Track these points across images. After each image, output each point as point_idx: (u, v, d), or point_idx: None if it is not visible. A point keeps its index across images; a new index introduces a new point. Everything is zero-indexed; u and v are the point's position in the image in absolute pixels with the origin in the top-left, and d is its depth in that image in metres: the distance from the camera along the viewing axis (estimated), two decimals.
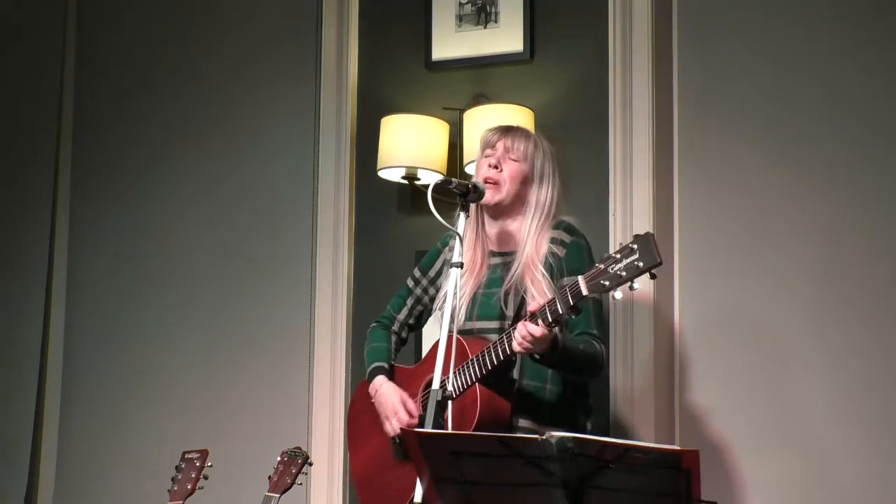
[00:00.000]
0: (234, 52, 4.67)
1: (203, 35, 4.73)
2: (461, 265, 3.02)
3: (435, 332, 3.03)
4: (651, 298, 3.86)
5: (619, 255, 2.88)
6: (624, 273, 2.86)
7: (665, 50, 4.04)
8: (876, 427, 3.72)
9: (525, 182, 3.30)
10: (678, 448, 2.35)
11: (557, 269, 3.24)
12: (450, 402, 2.87)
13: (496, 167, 3.29)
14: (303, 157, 4.47)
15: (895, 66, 3.82)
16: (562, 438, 2.33)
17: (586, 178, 4.06)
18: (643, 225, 3.92)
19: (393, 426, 3.28)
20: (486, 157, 3.33)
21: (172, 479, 3.36)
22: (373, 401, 3.36)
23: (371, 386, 3.38)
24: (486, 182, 3.28)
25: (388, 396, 3.31)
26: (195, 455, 3.38)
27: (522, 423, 3.19)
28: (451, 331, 2.92)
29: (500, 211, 3.32)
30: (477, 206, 3.31)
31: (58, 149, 4.83)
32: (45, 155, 4.83)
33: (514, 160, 3.30)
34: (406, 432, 2.55)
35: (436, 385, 2.88)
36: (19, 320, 4.77)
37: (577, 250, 3.30)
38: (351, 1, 4.46)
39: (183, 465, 3.37)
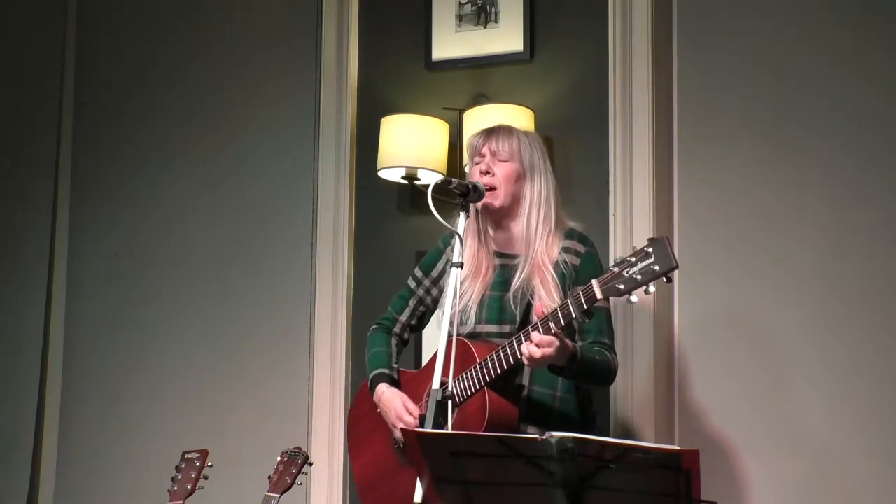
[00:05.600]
0: (234, 51, 4.67)
1: (203, 35, 4.73)
2: (461, 265, 3.02)
3: (437, 335, 3.02)
4: (651, 299, 3.86)
5: (633, 259, 2.88)
6: (640, 277, 2.86)
7: (665, 50, 4.04)
8: (876, 427, 3.72)
9: (518, 179, 3.28)
10: (678, 448, 2.35)
11: (570, 278, 3.23)
12: (452, 406, 2.87)
13: (488, 173, 3.27)
14: (303, 157, 4.47)
15: (893, 68, 3.83)
16: (562, 438, 2.33)
17: (586, 178, 4.06)
18: (643, 225, 3.93)
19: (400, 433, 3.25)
20: (476, 164, 3.32)
21: (172, 479, 3.36)
22: (378, 410, 3.34)
23: (374, 395, 3.35)
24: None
25: (391, 403, 3.29)
26: (195, 455, 3.38)
27: (531, 430, 3.16)
28: (450, 333, 2.91)
29: (500, 214, 3.31)
30: (477, 211, 3.30)
31: (58, 148, 4.83)
32: (45, 155, 4.83)
33: (503, 161, 3.28)
34: (406, 432, 2.55)
35: (436, 385, 2.87)
36: (20, 320, 4.77)
37: (591, 261, 3.28)
38: (351, 1, 4.46)
39: (183, 465, 3.37)
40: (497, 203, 3.27)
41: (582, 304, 2.96)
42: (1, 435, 4.71)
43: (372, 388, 3.37)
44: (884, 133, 3.81)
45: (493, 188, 3.26)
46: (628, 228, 3.95)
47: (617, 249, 3.94)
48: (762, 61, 3.96)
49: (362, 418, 3.47)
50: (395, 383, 3.36)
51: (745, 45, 3.98)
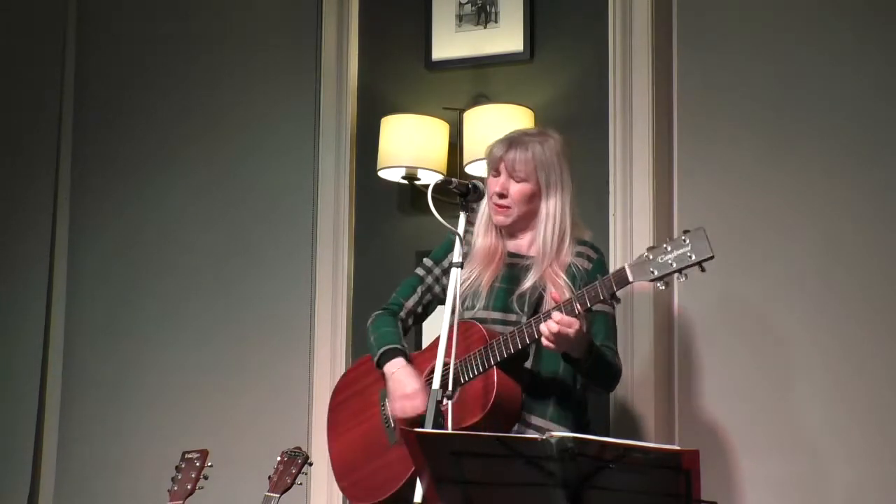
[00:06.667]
0: (234, 52, 4.67)
1: (203, 35, 4.73)
2: (461, 265, 3.02)
3: (437, 325, 3.02)
4: (651, 297, 3.86)
5: (668, 247, 2.89)
6: (674, 264, 2.88)
7: (665, 50, 4.05)
8: (875, 427, 3.72)
9: (533, 198, 3.27)
10: (678, 448, 2.35)
11: (581, 280, 3.22)
12: (455, 387, 2.86)
13: (503, 195, 3.26)
14: (303, 157, 4.47)
15: (893, 68, 3.83)
16: (562, 438, 2.33)
17: (586, 178, 4.05)
18: (643, 225, 3.93)
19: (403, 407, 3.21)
20: (493, 178, 3.29)
21: (172, 479, 3.36)
22: (389, 382, 3.29)
23: (387, 367, 3.29)
24: (495, 206, 3.28)
25: (403, 382, 3.24)
26: (195, 455, 3.38)
27: (534, 420, 3.18)
28: (451, 328, 2.92)
29: (514, 228, 3.32)
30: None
31: (58, 148, 4.83)
32: (45, 154, 4.83)
33: (518, 181, 3.26)
34: (406, 432, 2.55)
35: (436, 385, 2.88)
36: (20, 320, 4.77)
37: (601, 266, 3.30)
38: (351, 1, 4.46)
39: (183, 465, 3.37)
40: (508, 222, 3.29)
41: (612, 286, 2.97)
42: (1, 435, 4.71)
43: (385, 361, 3.30)
44: (884, 133, 3.81)
45: (506, 207, 3.26)
46: (628, 228, 3.95)
47: (617, 249, 3.95)
48: (762, 61, 3.96)
49: (342, 403, 3.47)
50: (408, 359, 3.32)
51: (745, 45, 3.99)
